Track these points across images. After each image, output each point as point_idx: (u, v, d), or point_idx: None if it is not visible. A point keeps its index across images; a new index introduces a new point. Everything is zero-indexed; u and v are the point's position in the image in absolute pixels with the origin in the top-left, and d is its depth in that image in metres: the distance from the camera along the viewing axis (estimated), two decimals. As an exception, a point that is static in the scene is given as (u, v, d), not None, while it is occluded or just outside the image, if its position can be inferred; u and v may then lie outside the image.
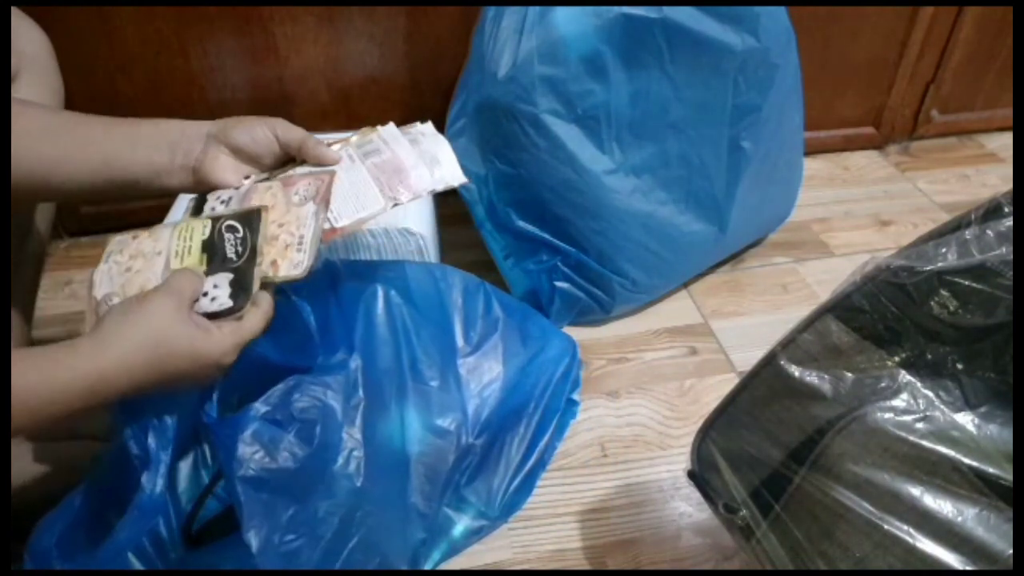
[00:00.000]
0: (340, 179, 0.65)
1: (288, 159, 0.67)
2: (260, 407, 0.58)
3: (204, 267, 0.59)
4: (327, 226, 0.63)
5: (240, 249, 0.60)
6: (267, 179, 0.66)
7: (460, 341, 0.78)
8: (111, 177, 0.60)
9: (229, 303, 0.57)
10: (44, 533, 0.56)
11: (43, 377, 0.49)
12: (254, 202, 0.63)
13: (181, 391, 0.58)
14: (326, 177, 0.64)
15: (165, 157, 0.62)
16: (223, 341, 0.55)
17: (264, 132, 0.64)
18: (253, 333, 0.57)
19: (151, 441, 0.56)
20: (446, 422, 0.73)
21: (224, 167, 0.63)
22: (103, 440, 0.72)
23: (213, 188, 0.64)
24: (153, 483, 0.55)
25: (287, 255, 0.60)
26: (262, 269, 0.60)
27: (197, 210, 0.66)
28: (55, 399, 0.49)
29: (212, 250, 0.60)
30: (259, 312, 0.58)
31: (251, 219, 0.62)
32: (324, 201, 0.63)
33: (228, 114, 0.65)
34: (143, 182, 0.62)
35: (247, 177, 0.66)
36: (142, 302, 0.53)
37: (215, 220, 0.62)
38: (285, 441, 0.58)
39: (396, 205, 0.66)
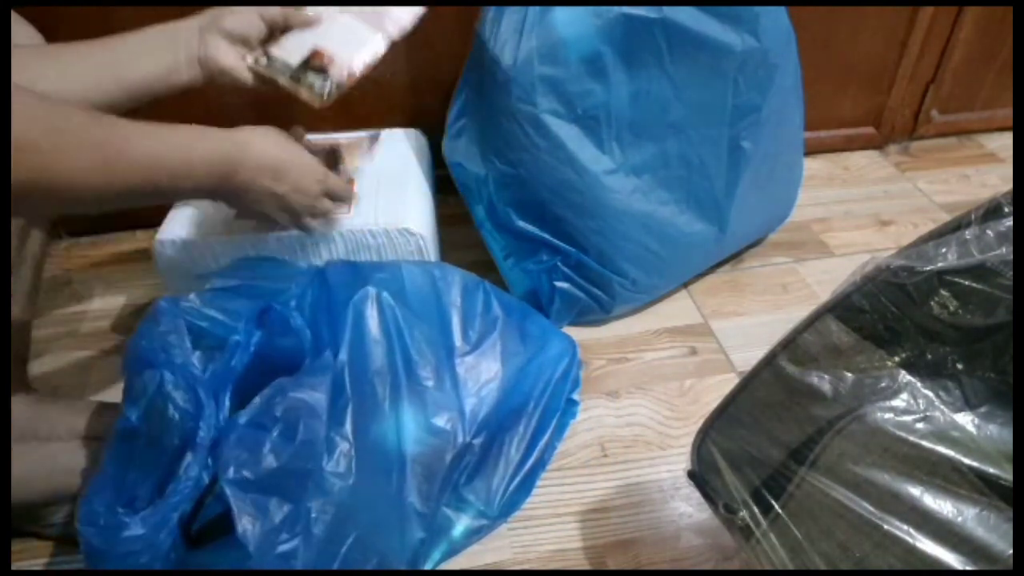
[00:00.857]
0: (332, 30, 0.77)
1: (270, 35, 0.75)
2: (243, 415, 0.60)
3: None
4: (343, 78, 0.75)
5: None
6: None
7: (458, 340, 0.78)
8: (127, 87, 0.67)
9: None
10: (97, 496, 0.59)
11: (194, 136, 0.61)
12: None
13: (274, 212, 0.72)
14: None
15: (170, 55, 0.69)
16: (318, 168, 0.72)
17: (251, 16, 0.73)
18: (338, 186, 0.76)
19: (201, 393, 0.62)
20: (442, 421, 0.73)
21: (225, 52, 0.71)
22: (103, 440, 0.72)
23: (220, 73, 0.71)
24: (208, 427, 0.61)
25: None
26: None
27: None
28: (208, 151, 0.61)
29: None
30: (344, 183, 0.79)
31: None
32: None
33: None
34: (156, 84, 0.69)
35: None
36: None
37: None
38: (267, 442, 0.59)
39: (390, 40, 0.78)
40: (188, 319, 0.66)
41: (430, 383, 0.73)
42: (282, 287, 0.73)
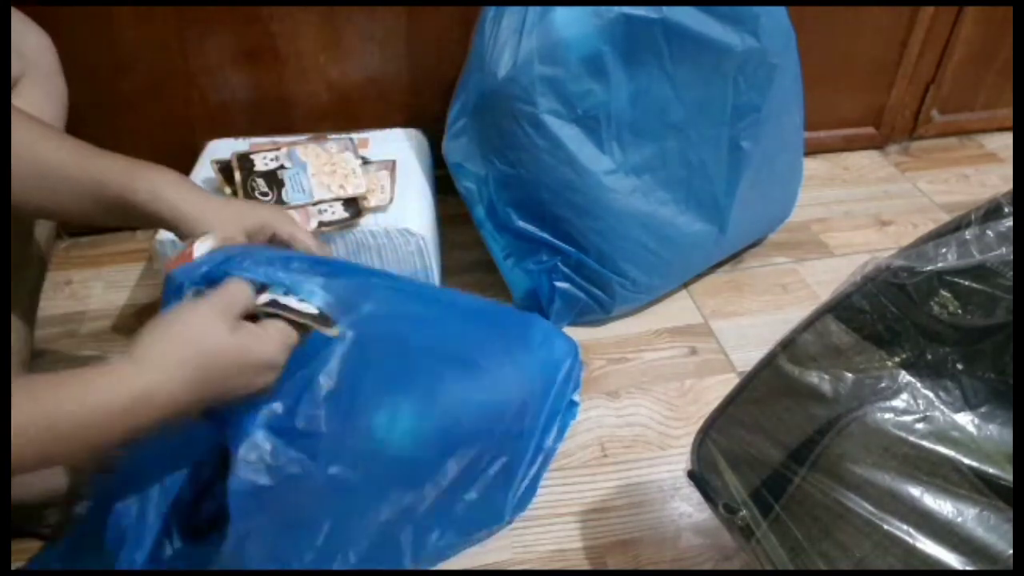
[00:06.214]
0: None
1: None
2: (244, 413, 0.57)
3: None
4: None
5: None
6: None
7: (461, 344, 0.78)
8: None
9: (345, 215, 0.74)
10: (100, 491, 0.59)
11: (77, 401, 0.45)
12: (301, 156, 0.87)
13: (233, 402, 0.54)
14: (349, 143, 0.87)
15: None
16: (272, 340, 0.52)
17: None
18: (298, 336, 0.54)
19: (148, 508, 0.59)
20: (444, 423, 0.73)
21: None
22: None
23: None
24: (208, 426, 0.56)
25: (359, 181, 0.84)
26: (333, 192, 0.82)
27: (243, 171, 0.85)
28: (90, 423, 0.45)
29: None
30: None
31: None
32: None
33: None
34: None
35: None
36: (182, 314, 0.51)
37: None
38: (268, 441, 0.56)
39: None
40: None
41: (431, 384, 0.73)
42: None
